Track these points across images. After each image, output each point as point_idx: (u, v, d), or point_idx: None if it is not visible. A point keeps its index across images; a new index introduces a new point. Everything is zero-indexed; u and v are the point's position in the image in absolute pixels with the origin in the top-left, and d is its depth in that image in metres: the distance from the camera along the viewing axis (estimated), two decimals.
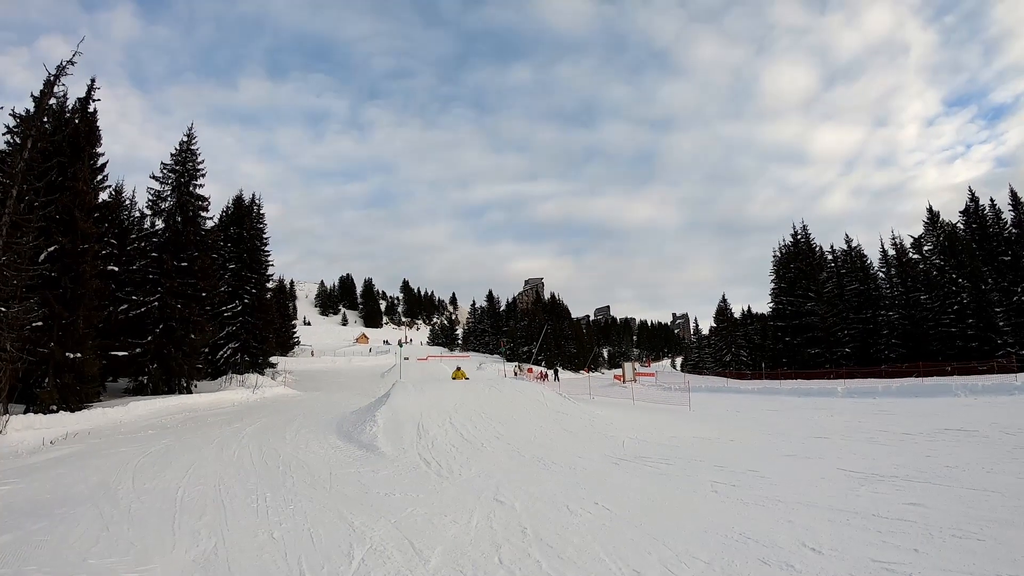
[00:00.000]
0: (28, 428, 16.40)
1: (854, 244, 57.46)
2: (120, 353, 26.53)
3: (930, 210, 50.28)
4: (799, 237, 60.04)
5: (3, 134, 20.86)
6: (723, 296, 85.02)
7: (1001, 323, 40.15)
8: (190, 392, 28.69)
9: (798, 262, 57.49)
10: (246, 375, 36.97)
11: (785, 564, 5.64)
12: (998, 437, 11.88)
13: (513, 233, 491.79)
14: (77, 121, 24.93)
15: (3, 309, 17.37)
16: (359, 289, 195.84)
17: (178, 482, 9.95)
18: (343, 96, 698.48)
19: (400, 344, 53.25)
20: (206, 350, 33.05)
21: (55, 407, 19.76)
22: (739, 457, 11.71)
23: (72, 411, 19.31)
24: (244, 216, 44.23)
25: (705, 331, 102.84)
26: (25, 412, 18.59)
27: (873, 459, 10.75)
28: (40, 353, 20.23)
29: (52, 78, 21.15)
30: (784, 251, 60.64)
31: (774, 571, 5.52)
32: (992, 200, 46.34)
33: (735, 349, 73.83)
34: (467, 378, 12.36)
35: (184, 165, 32.74)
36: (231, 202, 45.56)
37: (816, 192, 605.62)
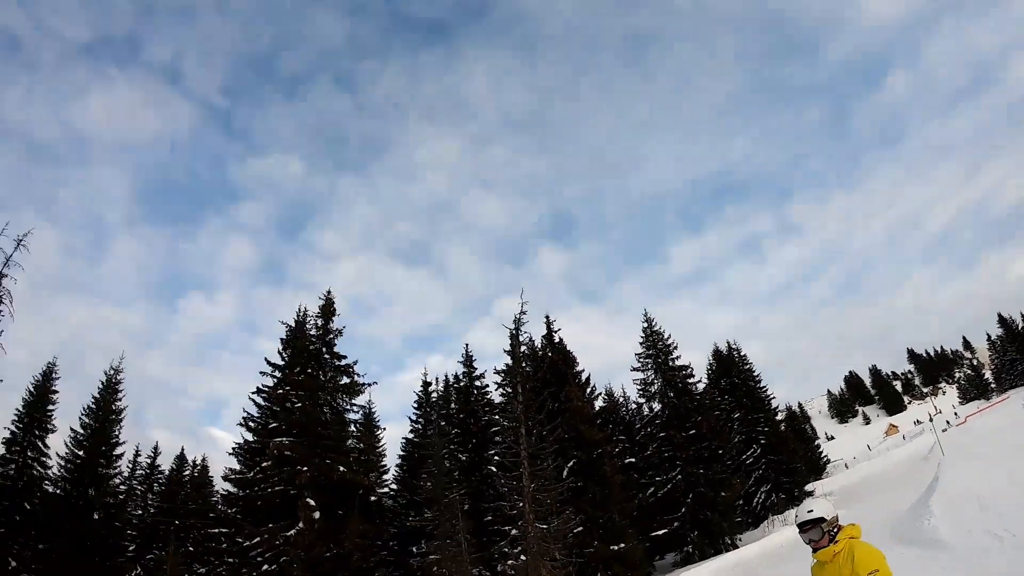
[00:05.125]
0: None
1: None
2: (659, 532, 27.95)
3: None
4: None
5: (496, 388, 25.85)
6: None
7: None
8: (735, 547, 28.38)
9: None
10: (786, 512, 35.36)
11: None
12: None
13: None
14: (551, 354, 28.98)
15: (544, 526, 19.80)
16: (868, 380, 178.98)
17: None
18: None
19: (930, 418, 46.32)
20: (740, 502, 32.88)
21: None
22: None
23: None
24: (730, 365, 45.05)
25: None
26: None
27: None
28: (587, 553, 22.62)
29: (513, 331, 24.77)
30: None
31: None
32: None
33: None
34: None
35: (655, 347, 35.09)
36: (711, 357, 47.00)
37: None
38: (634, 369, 34.67)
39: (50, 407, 33.11)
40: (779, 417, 49.67)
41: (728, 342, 47.61)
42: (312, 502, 22.88)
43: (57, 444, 37.48)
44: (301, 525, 22.73)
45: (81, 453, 31.96)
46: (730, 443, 35.17)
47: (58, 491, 31.56)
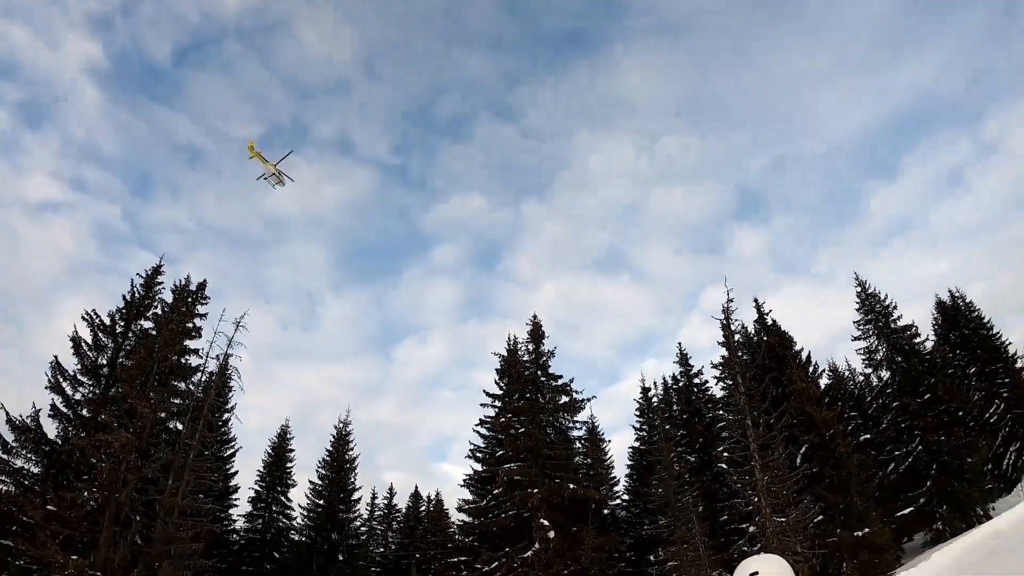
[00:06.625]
0: None
1: None
2: (904, 511, 26.16)
3: None
4: None
5: (716, 382, 26.10)
6: None
7: None
8: (988, 518, 25.77)
9: None
10: None
11: None
12: None
13: None
14: (766, 338, 28.40)
15: (783, 519, 19.36)
16: None
17: None
18: None
19: None
20: (989, 467, 30.14)
21: None
22: None
23: None
24: (956, 316, 39.45)
25: None
26: None
27: None
28: (830, 543, 21.69)
29: (724, 321, 24.36)
30: None
31: None
32: None
33: None
34: None
35: (873, 310, 32.69)
36: (935, 311, 40.94)
37: None
38: (855, 338, 32.36)
39: (288, 464, 36.61)
40: (1020, 364, 44.15)
41: (950, 291, 41.86)
42: (546, 522, 23.53)
43: (298, 496, 41.23)
44: (537, 545, 23.42)
45: (321, 502, 34.76)
46: (970, 403, 31.94)
47: (303, 538, 34.60)
